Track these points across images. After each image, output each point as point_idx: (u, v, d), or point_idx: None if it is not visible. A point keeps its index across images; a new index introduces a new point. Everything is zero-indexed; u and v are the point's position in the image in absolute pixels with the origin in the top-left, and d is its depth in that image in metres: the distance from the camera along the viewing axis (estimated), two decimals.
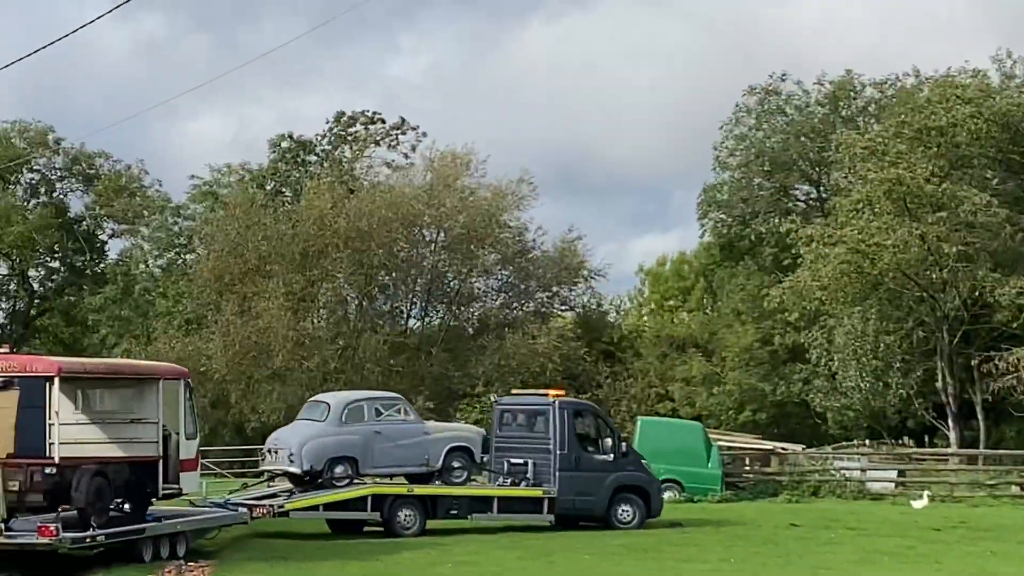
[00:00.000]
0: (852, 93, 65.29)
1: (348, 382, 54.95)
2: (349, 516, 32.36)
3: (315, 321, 63.20)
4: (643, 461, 35.49)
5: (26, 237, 74.30)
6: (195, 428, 29.47)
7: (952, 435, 54.46)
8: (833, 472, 48.45)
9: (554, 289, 67.75)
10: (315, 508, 32.27)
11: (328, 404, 33.71)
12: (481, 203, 64.04)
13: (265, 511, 31.32)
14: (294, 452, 32.59)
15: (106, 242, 79.77)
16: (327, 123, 73.04)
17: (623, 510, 34.02)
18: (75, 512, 25.06)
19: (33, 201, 78.06)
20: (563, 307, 69.51)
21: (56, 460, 25.03)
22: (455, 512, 32.94)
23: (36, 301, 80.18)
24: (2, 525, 24.11)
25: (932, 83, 58.09)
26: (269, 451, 33.82)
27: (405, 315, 66.18)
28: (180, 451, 28.24)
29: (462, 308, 67.12)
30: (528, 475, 33.81)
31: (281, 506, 31.95)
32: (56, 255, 79.37)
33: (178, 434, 28.25)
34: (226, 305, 60.11)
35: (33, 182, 78.54)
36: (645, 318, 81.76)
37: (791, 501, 44.11)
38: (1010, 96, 55.88)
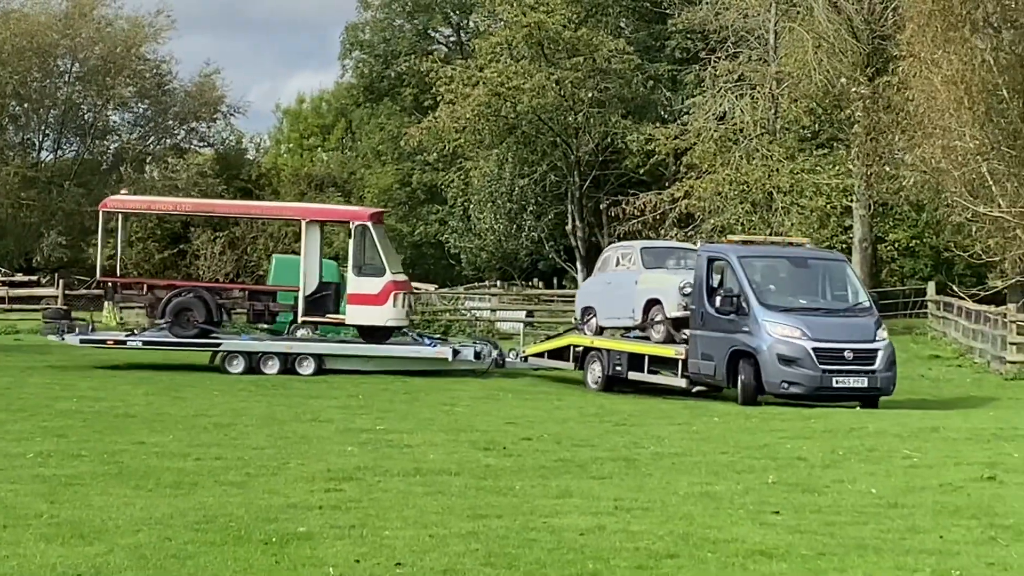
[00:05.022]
0: None
1: None
2: (562, 366, 33.06)
3: None
4: (764, 321, 27.17)
5: None
6: (374, 265, 33.61)
7: (580, 277, 56.14)
8: (464, 312, 49.43)
9: (192, 124, 66.98)
10: (541, 355, 34.06)
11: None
12: (119, 34, 62.80)
13: (515, 355, 34.91)
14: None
15: None
16: None
17: (738, 380, 27.49)
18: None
19: None
20: (202, 143, 68.86)
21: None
22: (619, 368, 30.50)
23: None
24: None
25: None
26: None
27: (37, 147, 64.55)
28: (349, 286, 33.71)
29: (97, 141, 65.78)
30: None
31: (524, 350, 35.04)
32: None
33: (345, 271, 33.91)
34: None
35: None
36: (284, 156, 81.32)
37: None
38: None
